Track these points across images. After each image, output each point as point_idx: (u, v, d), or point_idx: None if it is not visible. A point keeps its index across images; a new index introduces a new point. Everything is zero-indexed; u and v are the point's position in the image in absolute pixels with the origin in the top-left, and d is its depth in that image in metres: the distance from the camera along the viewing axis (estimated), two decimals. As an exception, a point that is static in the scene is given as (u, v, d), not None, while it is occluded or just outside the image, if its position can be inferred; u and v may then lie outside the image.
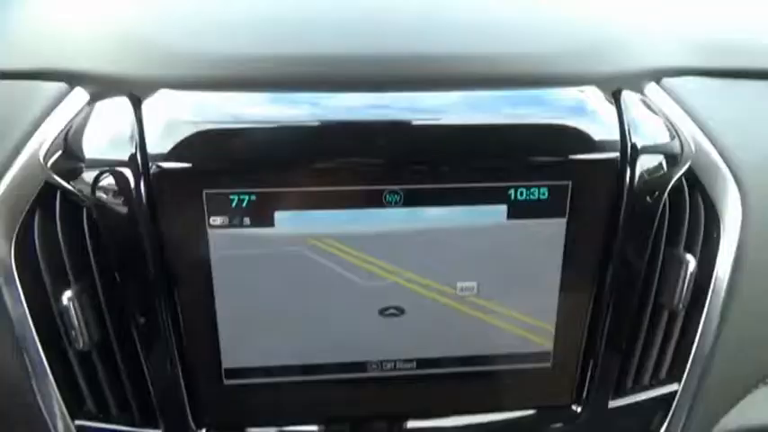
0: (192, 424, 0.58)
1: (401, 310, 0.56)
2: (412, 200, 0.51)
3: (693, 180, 0.60)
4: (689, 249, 0.60)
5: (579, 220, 0.53)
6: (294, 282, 0.54)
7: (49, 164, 0.53)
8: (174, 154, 0.49)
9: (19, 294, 0.55)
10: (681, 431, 0.66)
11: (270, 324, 0.55)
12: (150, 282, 0.52)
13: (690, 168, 0.59)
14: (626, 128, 0.53)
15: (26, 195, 0.55)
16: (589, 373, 0.60)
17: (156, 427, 0.58)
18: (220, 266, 0.52)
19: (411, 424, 0.61)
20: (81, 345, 0.55)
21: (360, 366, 0.58)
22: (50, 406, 0.58)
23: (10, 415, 0.60)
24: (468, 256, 0.54)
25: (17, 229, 0.55)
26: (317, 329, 0.56)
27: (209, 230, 0.51)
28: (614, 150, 0.52)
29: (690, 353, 0.64)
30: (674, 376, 0.64)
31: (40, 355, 0.56)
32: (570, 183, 0.52)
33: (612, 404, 0.62)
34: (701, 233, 0.61)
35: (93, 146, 0.52)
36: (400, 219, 0.52)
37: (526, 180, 0.51)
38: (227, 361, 0.56)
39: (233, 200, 0.50)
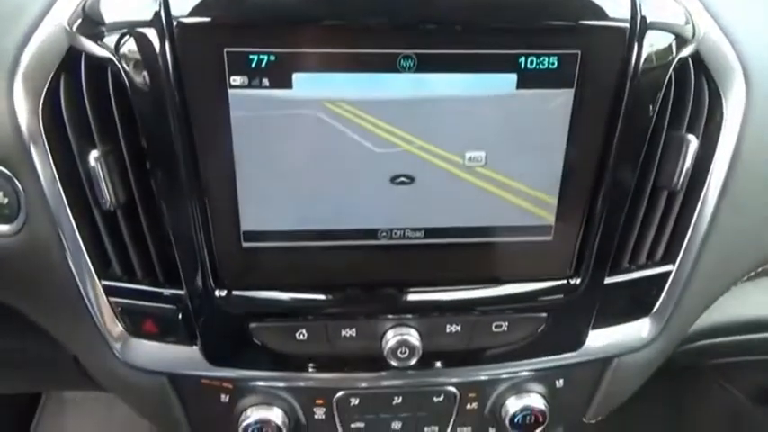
0: (213, 284, 0.62)
1: (411, 179, 0.58)
2: (425, 66, 0.53)
3: (700, 64, 0.62)
4: (691, 131, 0.62)
5: (587, 91, 0.55)
6: (310, 146, 0.56)
7: (74, 28, 0.55)
8: (196, 11, 0.50)
9: (48, 157, 0.58)
10: (673, 311, 0.70)
11: (286, 189, 0.58)
12: (173, 142, 0.55)
13: (697, 52, 0.60)
14: (637, 0, 0.54)
15: (52, 61, 0.56)
16: (588, 249, 0.63)
17: (178, 287, 0.62)
18: (240, 128, 0.54)
19: (417, 292, 0.64)
20: (107, 205, 0.58)
21: (370, 234, 0.61)
22: (79, 266, 0.62)
23: (39, 277, 0.64)
24: (477, 126, 0.56)
25: (44, 95, 0.57)
26: (331, 195, 0.59)
27: (230, 91, 0.53)
28: (624, 21, 0.53)
29: (686, 234, 0.67)
30: (669, 257, 0.68)
31: (68, 217, 0.60)
32: (579, 52, 0.53)
33: (609, 280, 0.66)
34: (704, 117, 0.63)
35: (117, 7, 0.53)
36: (413, 85, 0.54)
37: (536, 48, 0.53)
38: (246, 223, 0.59)
39: (252, 60, 0.52)
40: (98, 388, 0.89)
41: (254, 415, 0.69)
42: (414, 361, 0.64)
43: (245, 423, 0.69)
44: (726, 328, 0.88)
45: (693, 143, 0.61)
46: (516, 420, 0.72)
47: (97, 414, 1.63)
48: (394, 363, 0.64)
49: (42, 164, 0.58)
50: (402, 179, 0.58)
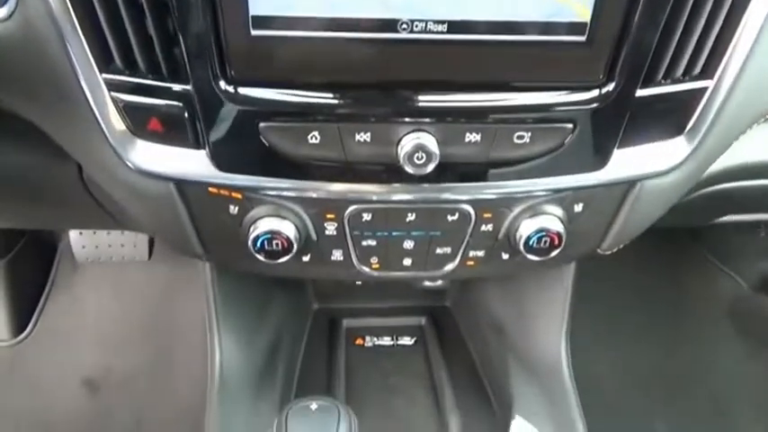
0: (220, 76, 0.58)
1: None
2: None
3: None
4: None
5: None
6: None
7: None
8: None
9: None
10: (706, 132, 0.66)
11: (298, -34, 0.53)
12: None
13: None
14: None
15: None
16: (623, 54, 0.58)
17: (184, 82, 0.59)
18: None
19: (436, 94, 0.60)
20: None
21: (390, 25, 0.56)
22: (79, 57, 0.58)
23: (37, 72, 0.61)
24: None
25: None
26: (349, -24, 0.54)
27: None
28: None
29: (728, 48, 0.62)
30: (708, 72, 0.63)
31: (67, 7, 0.55)
32: None
33: (641, 92, 0.62)
34: None
35: None
36: None
37: None
38: (255, 7, 0.54)
39: None
40: (101, 221, 0.88)
41: (264, 226, 0.68)
42: (430, 168, 0.61)
43: (254, 234, 0.68)
44: (743, 170, 0.85)
45: None
46: (531, 243, 0.70)
47: (108, 279, 1.67)
48: (409, 169, 0.61)
49: None
50: (427, -38, 0.53)
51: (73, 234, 1.57)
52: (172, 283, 1.68)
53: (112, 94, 0.60)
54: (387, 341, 1.18)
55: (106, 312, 1.64)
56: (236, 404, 0.92)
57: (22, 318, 1.58)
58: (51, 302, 1.63)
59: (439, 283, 1.09)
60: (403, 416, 1.03)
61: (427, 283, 1.09)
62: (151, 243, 1.59)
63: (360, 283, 1.18)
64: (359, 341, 1.18)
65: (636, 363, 1.62)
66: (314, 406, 0.62)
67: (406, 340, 1.19)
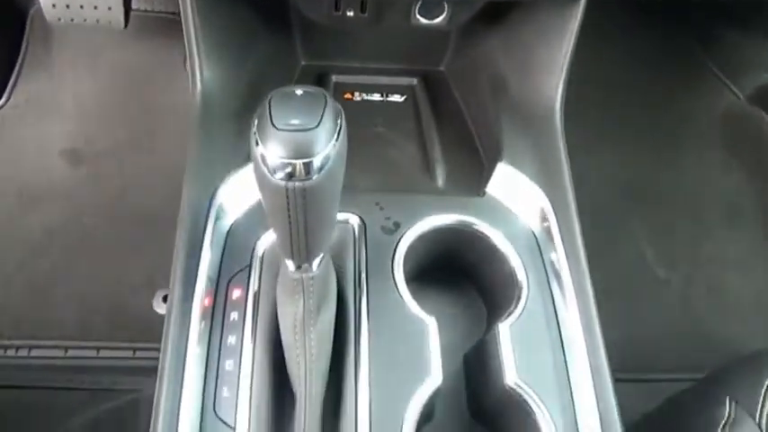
0: None
1: None
2: None
3: None
4: None
5: None
6: None
7: None
8: None
9: None
10: None
11: None
12: None
13: None
14: None
15: None
16: None
17: None
18: None
19: None
20: None
21: None
22: None
23: None
24: None
25: None
26: None
27: None
28: None
29: None
30: None
31: None
32: None
33: None
34: None
35: None
36: None
37: None
38: None
39: None
40: None
41: None
42: None
43: None
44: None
45: None
46: None
47: (84, 51, 1.58)
48: None
49: None
50: None
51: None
52: (150, 60, 1.61)
53: None
54: (377, 97, 1.13)
55: (84, 87, 1.58)
56: (217, 129, 0.89)
57: (-5, 85, 1.52)
58: (26, 72, 1.56)
59: (439, 19, 1.01)
60: (392, 159, 1.01)
61: (424, 21, 1.01)
62: (127, 7, 1.49)
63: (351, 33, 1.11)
64: (347, 95, 1.13)
65: (620, 165, 1.61)
66: (299, 92, 0.57)
67: (397, 98, 1.14)
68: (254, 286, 0.75)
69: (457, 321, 0.86)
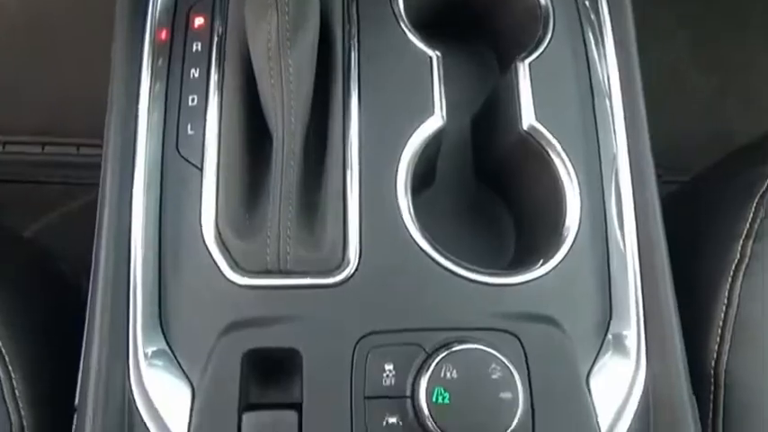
0: None
1: None
2: None
3: None
4: None
5: None
6: None
7: None
8: None
9: None
10: None
11: None
12: None
13: None
14: None
15: None
16: None
17: None
18: None
19: None
20: None
21: None
22: None
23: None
24: None
25: None
26: None
27: None
28: None
29: None
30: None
31: None
32: None
33: None
34: None
35: None
36: None
37: None
38: None
39: None
40: None
41: None
42: None
43: None
44: None
45: None
46: None
47: None
48: None
49: None
50: None
51: None
52: None
53: None
54: None
55: None
56: None
57: None
58: None
59: None
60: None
61: None
62: None
63: None
64: None
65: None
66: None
67: None
68: (220, 11, 0.62)
69: (463, 74, 0.73)
